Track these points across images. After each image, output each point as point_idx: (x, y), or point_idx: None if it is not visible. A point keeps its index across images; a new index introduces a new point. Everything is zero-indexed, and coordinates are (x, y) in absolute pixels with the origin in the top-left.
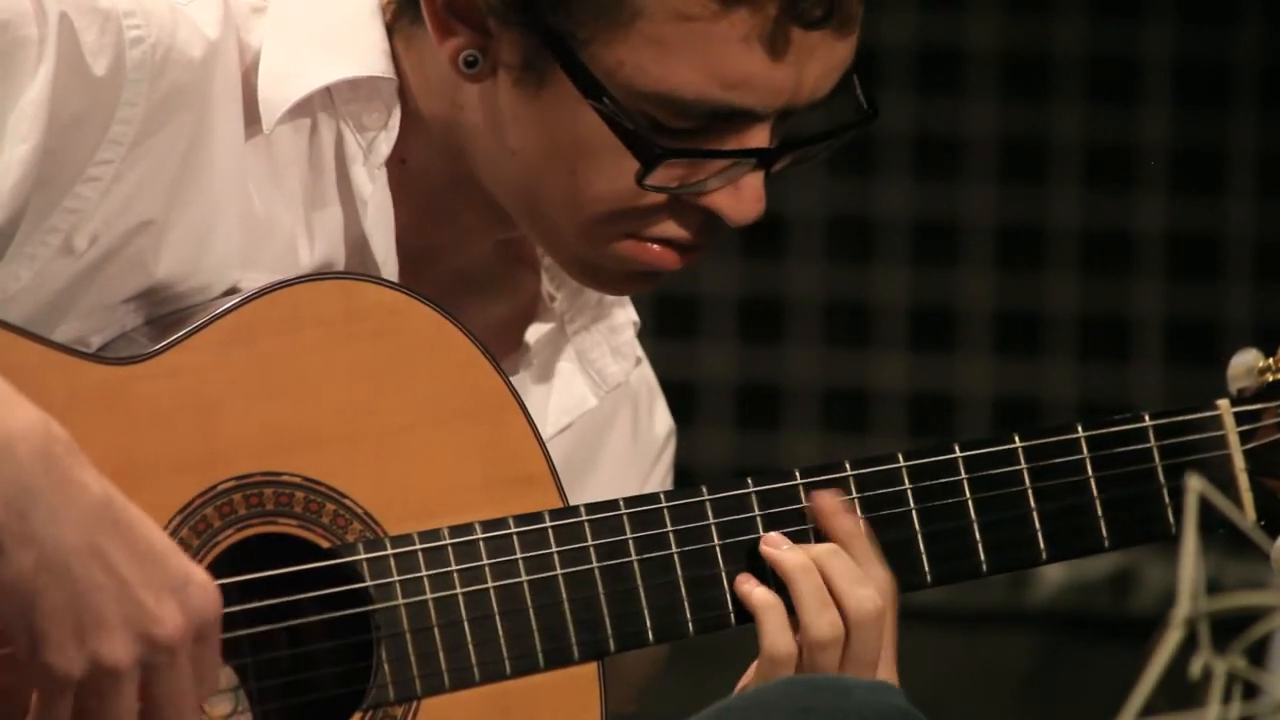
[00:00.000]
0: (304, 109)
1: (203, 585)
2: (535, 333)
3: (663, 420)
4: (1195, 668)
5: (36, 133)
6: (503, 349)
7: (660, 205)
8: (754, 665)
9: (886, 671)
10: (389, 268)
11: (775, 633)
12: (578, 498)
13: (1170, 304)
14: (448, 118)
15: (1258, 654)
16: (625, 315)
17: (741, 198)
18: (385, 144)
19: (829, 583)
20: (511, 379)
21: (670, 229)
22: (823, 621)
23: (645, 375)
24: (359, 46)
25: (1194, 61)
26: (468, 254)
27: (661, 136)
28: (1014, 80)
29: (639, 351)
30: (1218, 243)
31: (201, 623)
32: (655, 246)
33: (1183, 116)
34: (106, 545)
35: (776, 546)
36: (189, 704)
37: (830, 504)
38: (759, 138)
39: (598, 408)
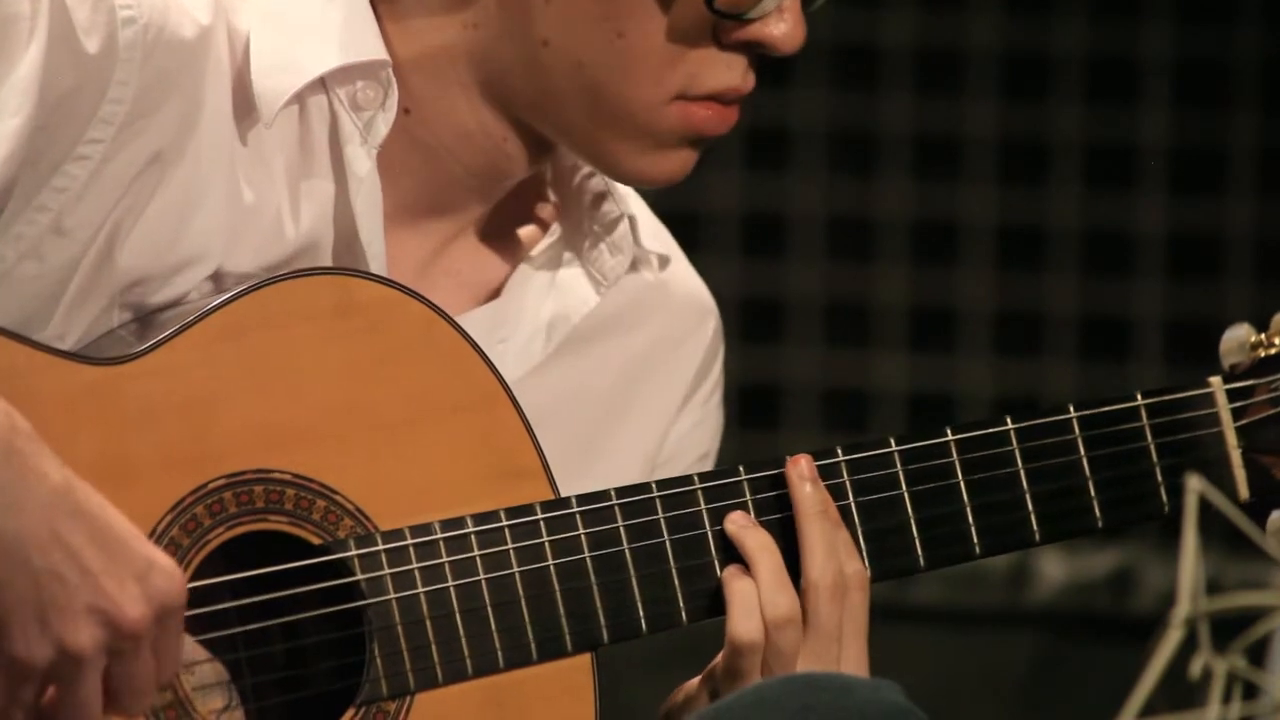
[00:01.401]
0: (295, 96)
1: (165, 570)
2: (539, 244)
3: (710, 324)
4: (1195, 668)
5: (28, 107)
6: (508, 263)
7: (706, 51)
8: (720, 654)
9: (855, 651)
10: (374, 249)
11: (740, 616)
12: (612, 403)
13: (1170, 304)
14: (461, 46)
15: (1258, 654)
16: (616, 209)
17: (788, 21)
18: (384, 124)
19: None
20: (516, 288)
21: (718, 76)
22: (780, 602)
23: (687, 279)
24: (348, 26)
25: (1194, 61)
26: (475, 212)
27: None
28: (1014, 80)
29: (660, 246)
30: (1218, 243)
31: (164, 607)
32: (700, 110)
33: (1183, 116)
34: (68, 533)
35: (739, 525)
36: (150, 686)
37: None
38: None
39: (639, 325)
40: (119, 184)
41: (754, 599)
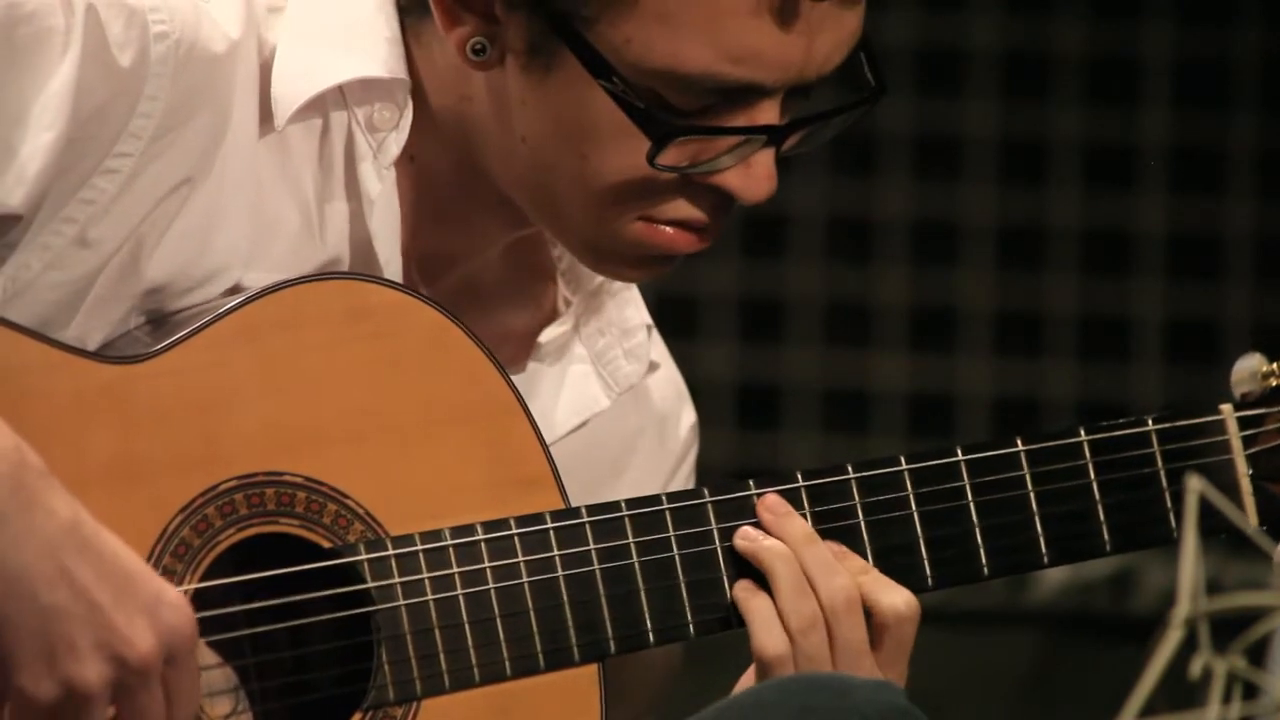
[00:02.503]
0: (316, 108)
1: (175, 605)
2: (549, 335)
3: (686, 420)
4: (1195, 668)
5: (61, 121)
6: (516, 352)
7: (672, 186)
8: (751, 667)
9: (895, 670)
10: (392, 268)
11: (761, 632)
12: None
13: (1170, 304)
14: (457, 111)
15: (1258, 654)
16: (639, 317)
17: (753, 176)
18: (395, 144)
19: (804, 571)
20: (524, 379)
21: (682, 210)
22: (802, 609)
23: (672, 380)
24: (373, 45)
25: (1194, 61)
26: (480, 258)
27: (670, 116)
28: (1014, 80)
29: (654, 354)
30: (1218, 243)
31: (174, 642)
32: (668, 229)
33: (1183, 116)
34: (75, 569)
35: (751, 539)
36: None
37: (780, 505)
38: (769, 114)
39: (623, 419)
40: (147, 198)
41: (771, 612)
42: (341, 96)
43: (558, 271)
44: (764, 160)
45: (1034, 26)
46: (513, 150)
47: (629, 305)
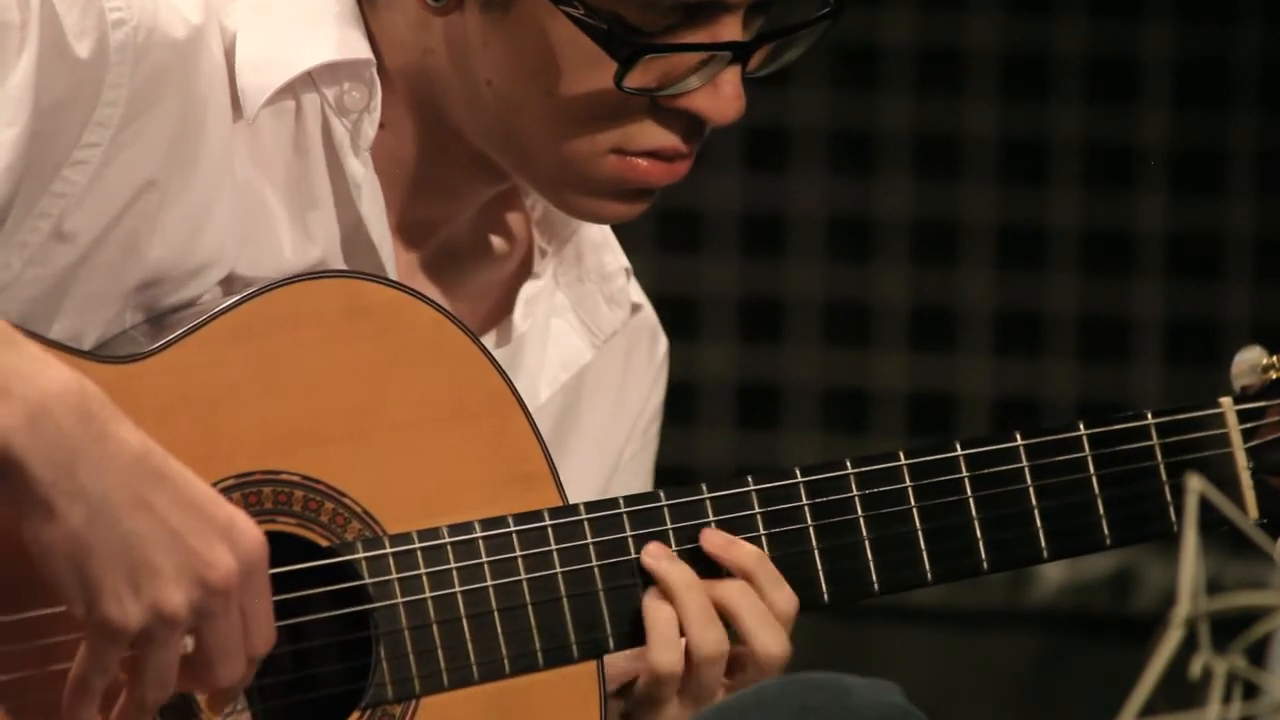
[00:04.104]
0: (286, 93)
1: (247, 529)
2: (529, 290)
3: (660, 346)
4: (1195, 668)
5: (23, 117)
6: (497, 311)
7: (640, 113)
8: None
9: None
10: (385, 248)
11: (660, 647)
12: (573, 443)
13: (1170, 304)
14: (419, 67)
15: (1258, 654)
16: (616, 262)
17: (721, 96)
18: (370, 126)
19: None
20: (508, 340)
21: (654, 137)
22: (709, 636)
23: (647, 318)
24: (334, 26)
25: (1194, 61)
26: (457, 222)
27: (634, 36)
28: (1014, 80)
29: (635, 297)
30: (1218, 243)
31: (250, 564)
32: (641, 161)
33: (1183, 116)
34: (152, 495)
35: (658, 559)
36: (240, 650)
37: (720, 541)
38: (732, 30)
39: (605, 364)
40: (122, 186)
41: (675, 629)
42: (310, 80)
43: (531, 221)
44: (731, 79)
45: (1034, 26)
46: (478, 96)
47: (605, 250)
